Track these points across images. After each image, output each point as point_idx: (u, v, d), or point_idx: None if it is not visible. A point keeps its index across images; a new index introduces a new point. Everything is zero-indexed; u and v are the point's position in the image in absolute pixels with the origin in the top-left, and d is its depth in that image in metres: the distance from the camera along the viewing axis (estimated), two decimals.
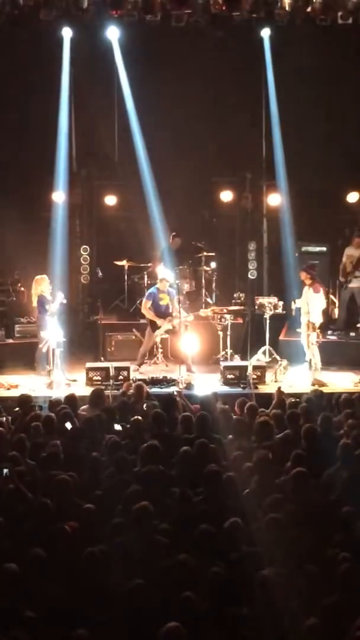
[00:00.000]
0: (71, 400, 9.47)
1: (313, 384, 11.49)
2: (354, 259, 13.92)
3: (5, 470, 6.97)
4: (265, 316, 12.95)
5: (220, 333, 12.97)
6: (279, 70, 14.61)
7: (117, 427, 8.73)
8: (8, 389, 11.63)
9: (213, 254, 14.87)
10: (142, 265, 14.76)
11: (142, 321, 13.39)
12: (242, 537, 5.88)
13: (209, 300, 14.76)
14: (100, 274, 14.36)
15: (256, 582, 5.27)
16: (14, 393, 11.06)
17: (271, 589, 5.20)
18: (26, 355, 12.91)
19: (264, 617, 5.06)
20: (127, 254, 14.96)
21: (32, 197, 14.56)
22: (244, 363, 12.25)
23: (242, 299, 14.36)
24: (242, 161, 15.24)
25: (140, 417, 8.69)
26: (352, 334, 13.74)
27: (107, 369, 11.86)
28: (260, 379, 11.94)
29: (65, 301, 12.54)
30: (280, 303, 13.09)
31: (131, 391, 10.07)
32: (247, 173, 15.43)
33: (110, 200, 15.39)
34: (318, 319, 12.08)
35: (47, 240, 14.17)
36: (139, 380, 11.25)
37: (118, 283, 15.03)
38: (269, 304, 13.04)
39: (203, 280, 14.73)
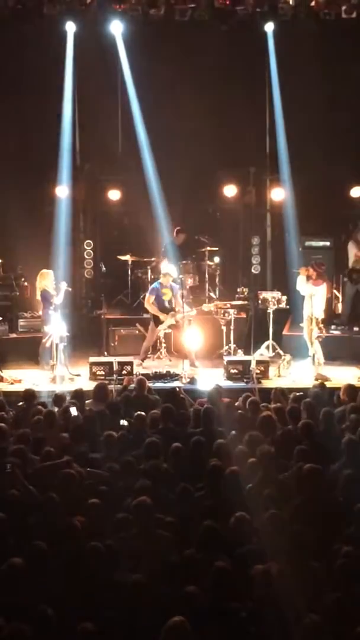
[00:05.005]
0: (78, 394, 9.49)
1: (316, 379, 11.49)
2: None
3: (8, 465, 6.99)
4: (268, 311, 12.90)
5: (224, 328, 12.95)
6: (282, 65, 14.60)
7: (123, 422, 8.74)
8: (12, 383, 11.64)
9: (216, 248, 14.83)
10: (145, 259, 14.74)
11: (145, 316, 13.39)
12: (246, 533, 5.89)
13: (212, 295, 14.73)
14: (104, 268, 14.40)
15: (259, 577, 5.28)
16: (18, 388, 11.09)
17: (274, 584, 5.21)
18: (30, 350, 12.90)
19: (267, 613, 5.06)
20: (130, 248, 14.96)
21: (35, 191, 14.57)
22: (247, 358, 12.21)
23: (246, 293, 14.32)
24: (246, 155, 15.22)
25: (143, 413, 8.70)
26: (356, 328, 13.73)
27: (110, 364, 11.88)
28: (264, 374, 11.90)
29: (70, 289, 12.54)
30: (284, 298, 13.06)
31: (132, 386, 10.08)
32: (251, 167, 15.43)
33: (114, 194, 15.35)
34: (321, 314, 12.09)
35: (51, 234, 14.17)
36: (142, 374, 11.25)
37: (121, 278, 15.01)
38: (273, 298, 12.99)
39: (206, 275, 14.69)
